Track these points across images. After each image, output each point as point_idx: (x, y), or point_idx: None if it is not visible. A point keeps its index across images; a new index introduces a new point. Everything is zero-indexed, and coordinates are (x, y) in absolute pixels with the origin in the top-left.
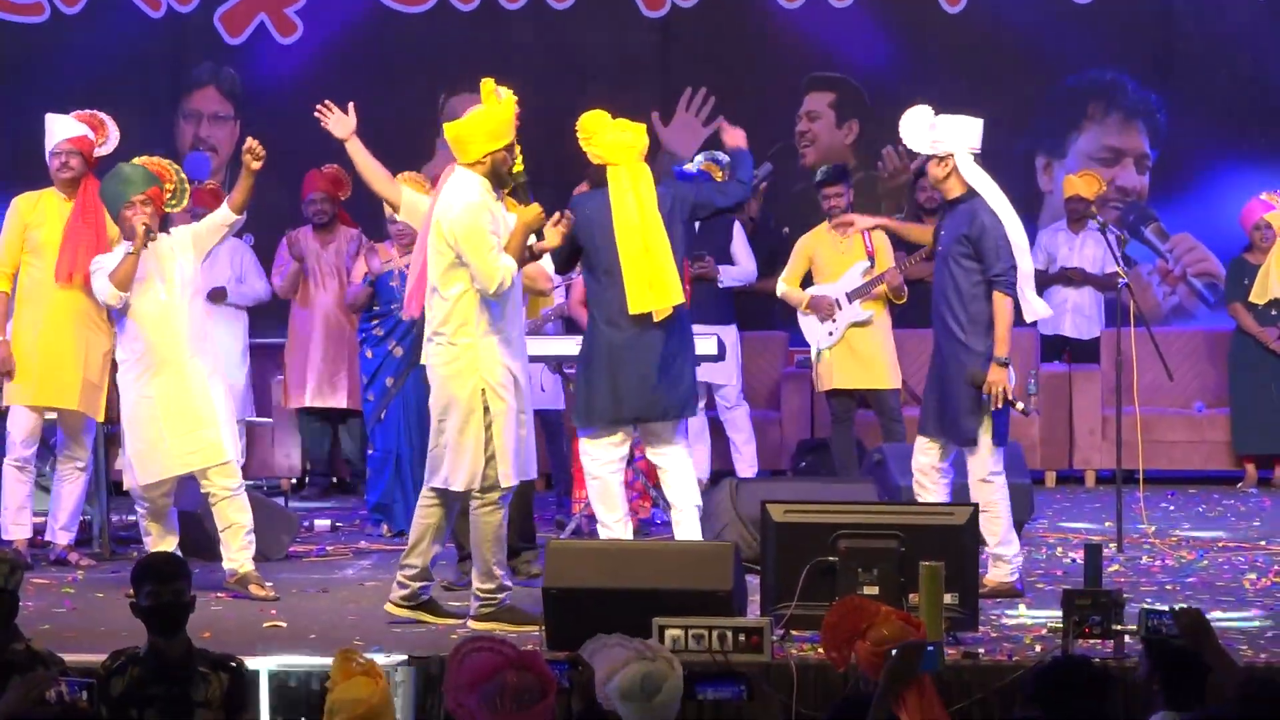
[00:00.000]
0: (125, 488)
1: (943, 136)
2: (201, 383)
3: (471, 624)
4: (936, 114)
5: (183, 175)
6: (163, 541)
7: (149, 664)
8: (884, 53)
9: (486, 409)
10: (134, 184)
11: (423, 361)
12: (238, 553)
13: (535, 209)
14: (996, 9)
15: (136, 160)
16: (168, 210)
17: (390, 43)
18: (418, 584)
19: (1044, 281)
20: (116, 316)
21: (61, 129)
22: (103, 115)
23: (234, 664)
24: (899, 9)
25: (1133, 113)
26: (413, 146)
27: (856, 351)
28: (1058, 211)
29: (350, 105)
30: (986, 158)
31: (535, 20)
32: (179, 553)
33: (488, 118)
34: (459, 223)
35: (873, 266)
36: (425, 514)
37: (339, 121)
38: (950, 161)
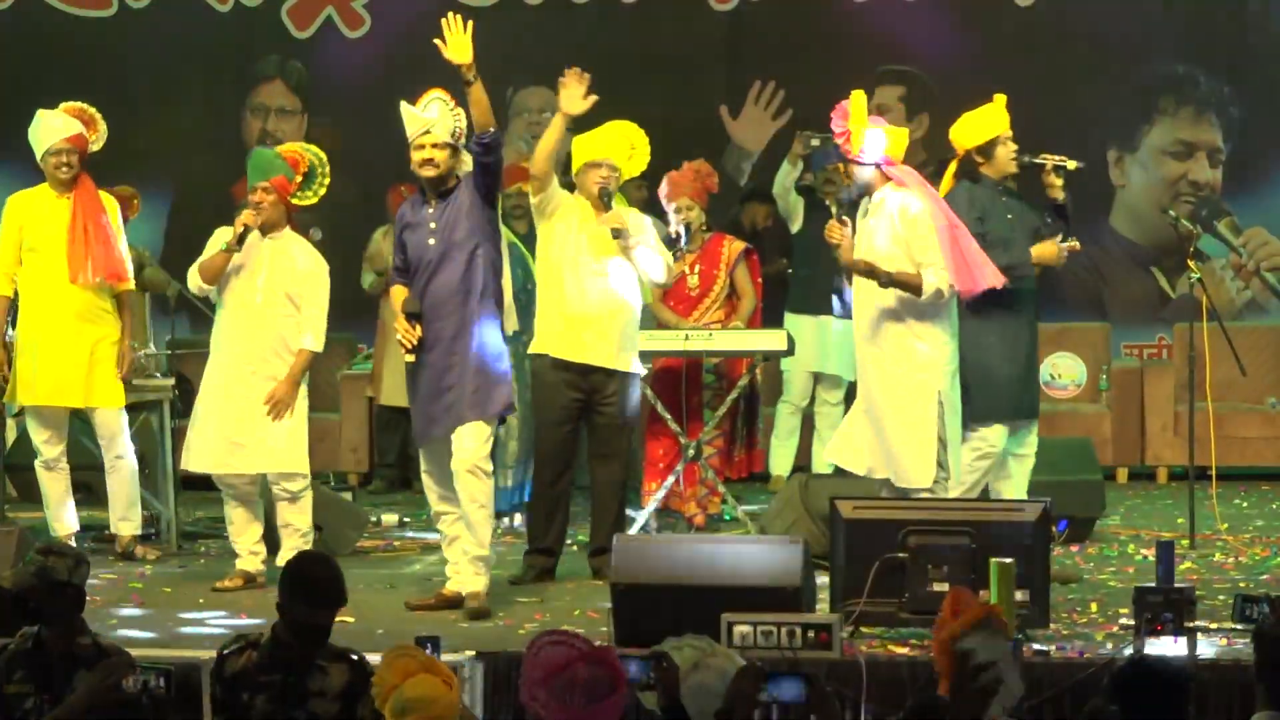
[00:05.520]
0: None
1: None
2: (266, 390)
3: None
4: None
5: (323, 167)
6: (246, 530)
7: (268, 651)
8: (954, 46)
9: (941, 405)
10: (258, 170)
11: (867, 356)
12: (290, 551)
13: None
14: (1067, 2)
15: (281, 147)
16: (296, 202)
17: None
18: None
19: None
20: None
21: (59, 127)
22: (92, 110)
23: (354, 656)
24: (969, 1)
25: (1205, 106)
26: None
27: None
28: (1131, 207)
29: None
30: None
31: (602, 13)
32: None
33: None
34: (903, 226)
35: None
36: None
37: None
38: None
